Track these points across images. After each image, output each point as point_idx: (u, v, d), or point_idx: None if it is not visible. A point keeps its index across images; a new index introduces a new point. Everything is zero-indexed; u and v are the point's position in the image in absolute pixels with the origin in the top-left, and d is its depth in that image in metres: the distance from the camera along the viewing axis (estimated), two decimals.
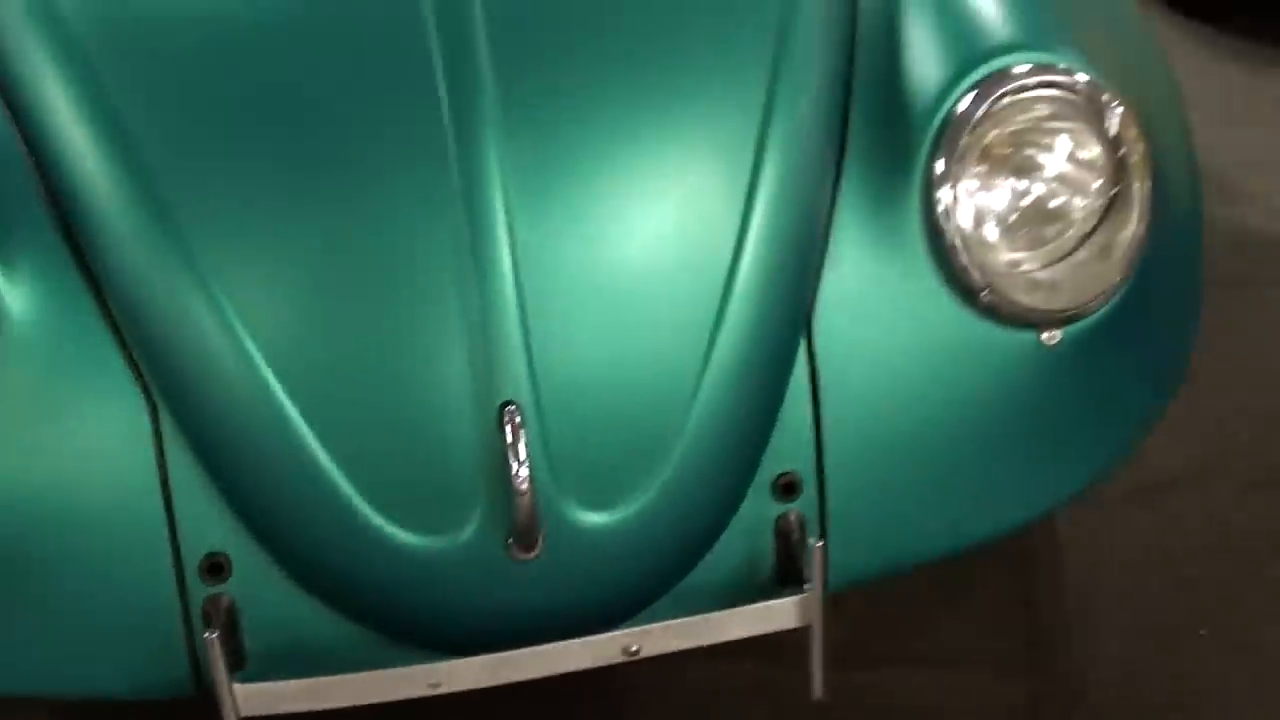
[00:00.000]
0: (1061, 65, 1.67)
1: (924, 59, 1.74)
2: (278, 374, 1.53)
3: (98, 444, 1.55)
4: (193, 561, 1.55)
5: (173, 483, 1.54)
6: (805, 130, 1.67)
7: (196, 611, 1.56)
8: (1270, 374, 2.75)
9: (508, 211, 1.54)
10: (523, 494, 1.49)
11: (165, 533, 1.54)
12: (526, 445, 1.49)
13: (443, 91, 1.58)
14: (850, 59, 1.78)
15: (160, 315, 1.56)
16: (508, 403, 1.50)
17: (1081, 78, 1.66)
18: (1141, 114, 1.71)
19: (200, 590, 1.56)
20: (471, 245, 1.53)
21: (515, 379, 1.51)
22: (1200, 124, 3.79)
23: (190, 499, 1.55)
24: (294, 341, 1.54)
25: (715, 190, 1.62)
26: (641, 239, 1.60)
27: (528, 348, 1.51)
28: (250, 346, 1.53)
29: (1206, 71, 4.13)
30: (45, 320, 1.56)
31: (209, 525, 1.55)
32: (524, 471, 1.49)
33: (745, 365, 1.59)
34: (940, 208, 1.64)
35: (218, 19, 1.70)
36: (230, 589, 1.57)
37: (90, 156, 1.60)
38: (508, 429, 1.49)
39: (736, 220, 1.61)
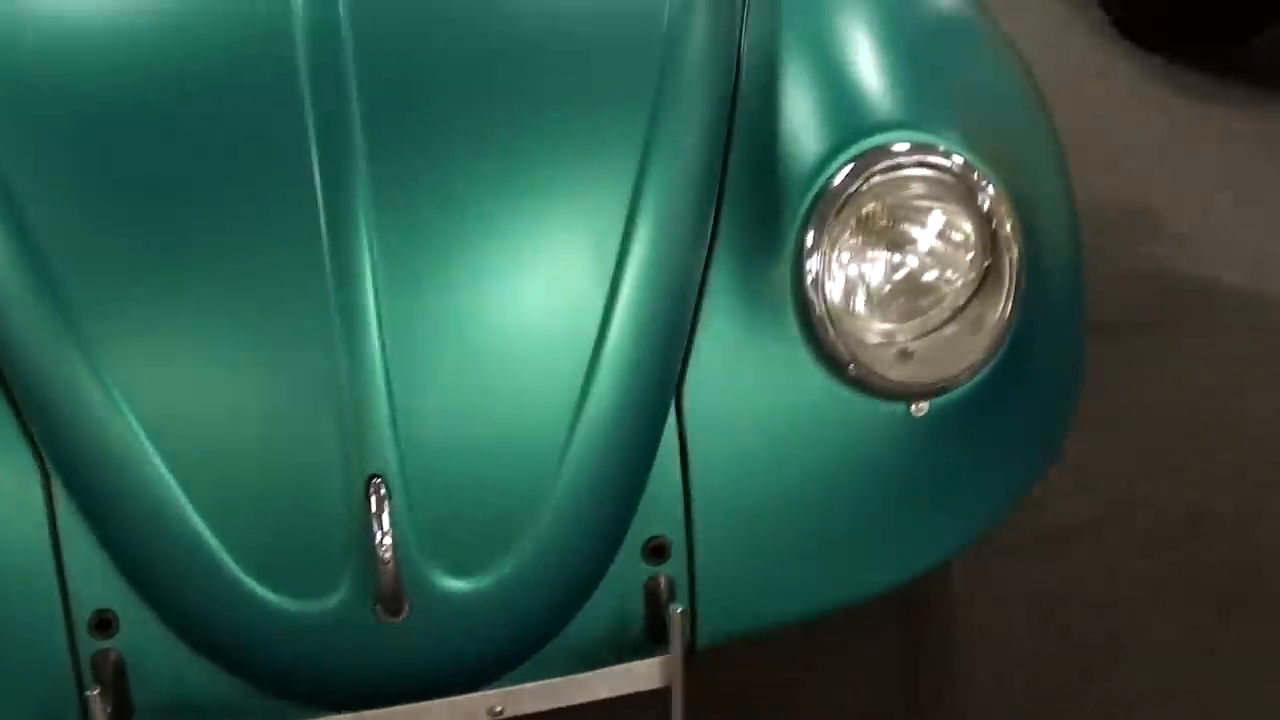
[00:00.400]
0: (939, 146, 1.70)
1: (803, 130, 1.78)
2: (155, 443, 1.58)
3: None
4: (82, 617, 1.60)
5: (63, 542, 1.59)
6: (677, 200, 1.71)
7: (86, 666, 1.61)
8: (1180, 421, 2.79)
9: (377, 289, 1.58)
10: (386, 563, 1.53)
11: (56, 590, 1.59)
12: (391, 517, 1.53)
13: (316, 170, 1.63)
14: (729, 126, 1.81)
15: (48, 384, 1.61)
16: (374, 475, 1.54)
17: (957, 159, 1.69)
18: (1019, 190, 1.74)
19: (90, 645, 1.61)
20: (342, 322, 1.57)
21: (382, 452, 1.55)
22: (1136, 158, 3.85)
23: (79, 558, 1.60)
24: (171, 412, 1.59)
25: (583, 263, 1.66)
26: (509, 313, 1.64)
27: (394, 421, 1.56)
28: (130, 416, 1.58)
29: (1150, 103, 4.17)
30: None
31: (97, 583, 1.60)
32: (387, 541, 1.53)
33: (612, 434, 1.63)
34: (809, 279, 1.67)
35: (105, 97, 1.74)
36: (118, 644, 1.61)
37: None
38: (373, 500, 1.53)
39: (604, 292, 1.64)
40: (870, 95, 1.82)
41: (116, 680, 1.60)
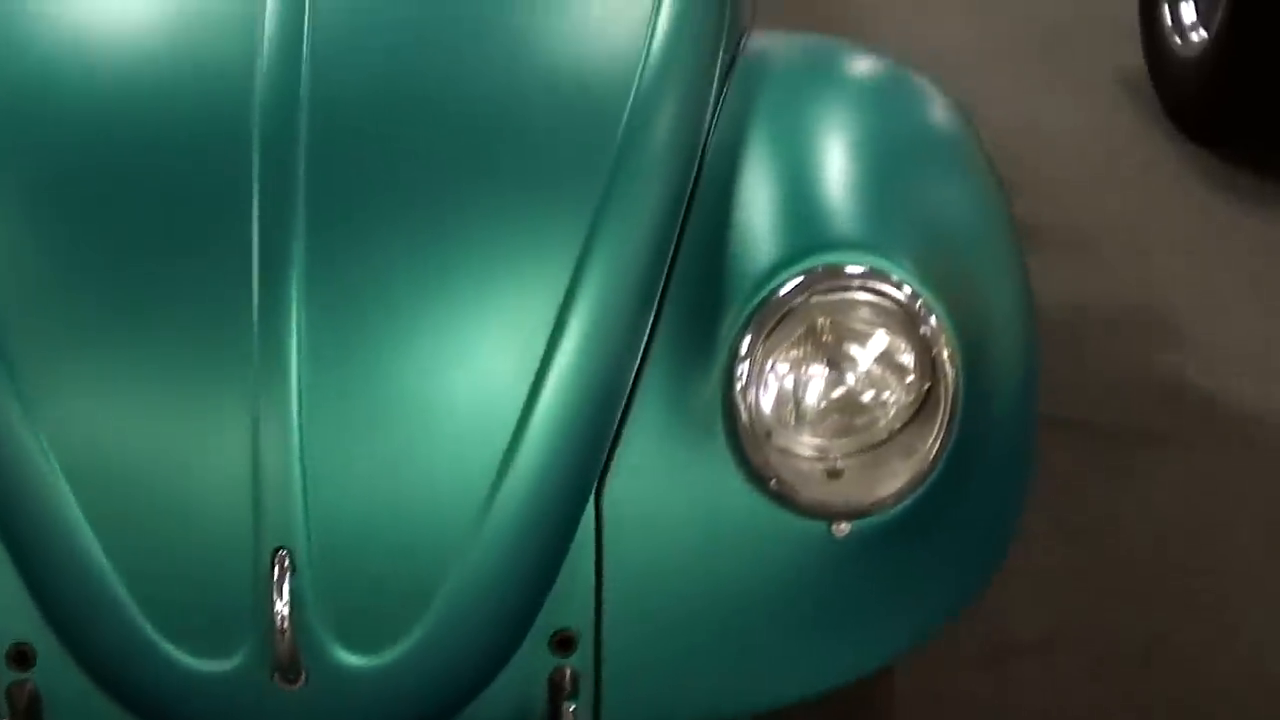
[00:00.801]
0: (890, 274, 1.68)
1: (758, 237, 1.77)
2: (76, 492, 1.61)
3: None
4: (1, 647, 1.64)
5: None
6: (615, 297, 1.71)
7: (1, 695, 1.65)
8: (1156, 539, 2.75)
9: (300, 364, 1.60)
10: (283, 632, 1.56)
11: None
12: (292, 588, 1.56)
13: (255, 241, 1.64)
14: (681, 226, 1.82)
15: None
16: (280, 547, 1.57)
17: (906, 289, 1.68)
18: (969, 320, 1.73)
19: (6, 676, 1.65)
20: (263, 395, 1.59)
21: (290, 525, 1.57)
22: (1167, 255, 3.80)
23: (3, 591, 1.64)
24: (93, 463, 1.62)
25: (509, 357, 1.67)
26: (429, 400, 1.65)
27: (305, 496, 1.58)
28: (55, 464, 1.62)
29: (1191, 200, 4.12)
30: None
31: (19, 616, 1.64)
32: (285, 611, 1.55)
33: (524, 525, 1.63)
34: (739, 385, 1.67)
35: (60, 150, 1.78)
36: (34, 677, 1.65)
37: None
38: (276, 570, 1.56)
39: (528, 385, 1.65)
40: (830, 211, 1.82)
41: (30, 712, 1.64)
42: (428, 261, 1.69)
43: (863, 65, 2.21)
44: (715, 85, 2.02)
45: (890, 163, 1.93)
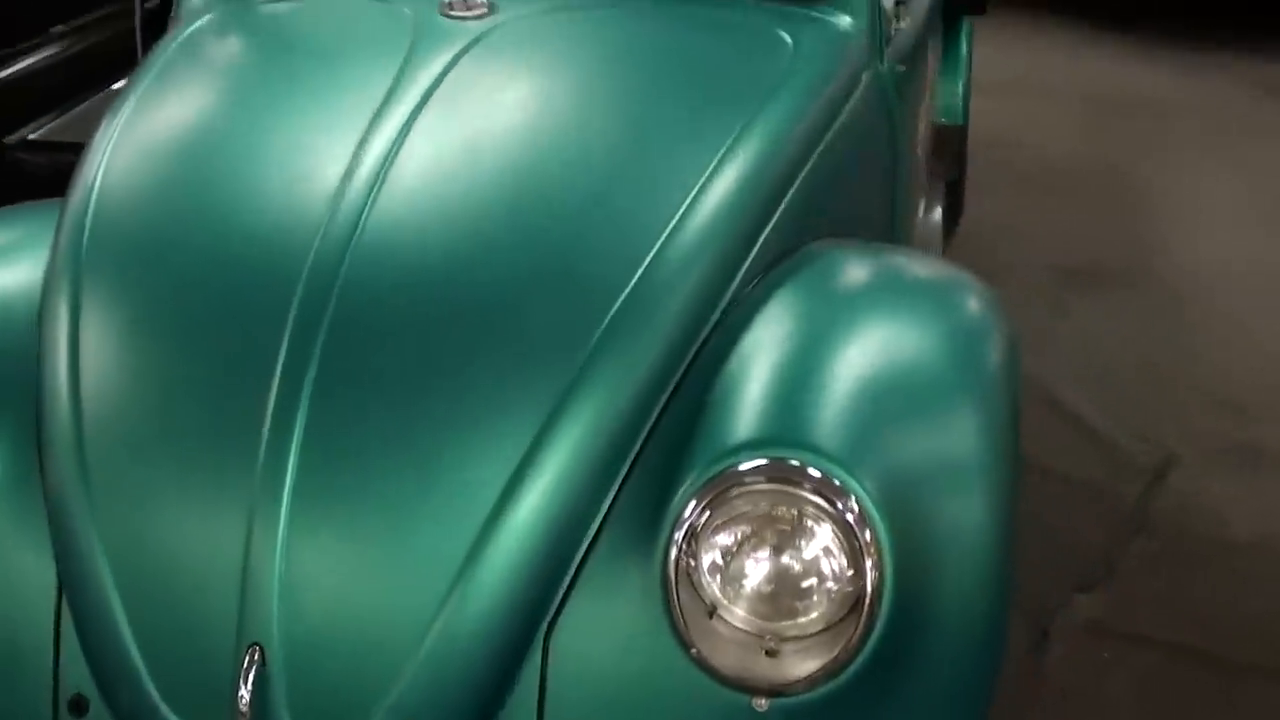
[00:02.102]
0: (840, 484, 1.83)
1: (728, 421, 1.95)
2: (114, 571, 1.94)
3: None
4: (65, 695, 1.95)
5: (62, 635, 1.97)
6: (580, 460, 1.90)
7: None
8: None
9: (291, 496, 1.88)
10: (244, 715, 1.81)
11: (50, 668, 1.96)
12: (259, 679, 1.81)
13: (273, 393, 1.95)
14: (669, 399, 2.01)
15: (63, 517, 1.99)
16: (255, 642, 1.83)
17: (854, 506, 1.82)
18: (918, 541, 1.86)
19: None
20: (258, 514, 1.88)
21: (266, 623, 1.84)
22: None
23: (69, 648, 1.96)
24: (127, 550, 1.95)
25: (470, 502, 1.88)
26: (395, 530, 1.88)
27: (281, 601, 1.85)
28: (100, 547, 1.95)
29: None
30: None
31: (78, 672, 1.95)
32: (248, 697, 1.81)
33: (468, 651, 1.82)
34: (680, 558, 1.83)
35: (153, 296, 2.18)
36: None
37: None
38: (246, 661, 1.81)
39: (478, 529, 1.86)
40: (810, 411, 1.94)
41: None
42: (407, 426, 1.94)
43: (912, 275, 2.40)
44: (734, 283, 2.20)
45: (893, 377, 2.05)
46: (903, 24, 2.98)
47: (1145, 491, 3.49)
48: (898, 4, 2.98)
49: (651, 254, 2.14)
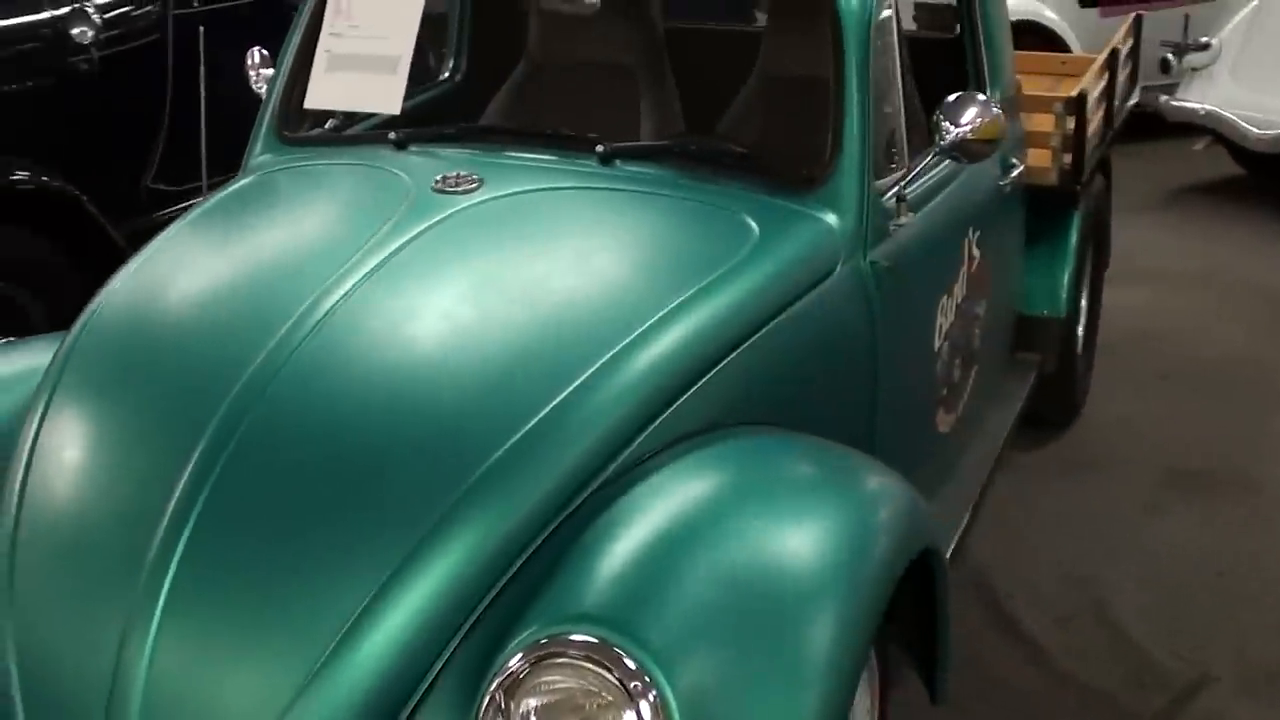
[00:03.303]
0: (647, 676, 1.95)
1: (561, 591, 2.09)
2: (19, 670, 2.19)
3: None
4: None
5: None
6: (414, 619, 2.08)
7: None
8: None
9: (161, 617, 2.11)
10: None
11: None
12: None
13: (164, 523, 2.21)
14: (502, 565, 2.15)
15: None
16: None
17: (654, 696, 1.94)
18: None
19: None
20: (131, 637, 2.11)
21: None
22: None
23: None
24: (29, 649, 2.21)
25: (295, 651, 2.07)
26: (242, 664, 2.10)
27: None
28: (10, 646, 2.20)
29: None
30: None
31: None
32: None
33: None
34: (486, 702, 1.98)
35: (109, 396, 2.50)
36: None
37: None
38: None
39: (303, 675, 2.04)
40: (648, 599, 2.06)
41: None
42: (272, 564, 2.17)
43: (813, 471, 2.46)
44: (626, 453, 2.33)
45: (745, 578, 2.13)
46: (905, 219, 3.04)
47: (1166, 709, 3.37)
48: (900, 200, 3.04)
49: (530, 424, 2.28)
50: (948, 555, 3.29)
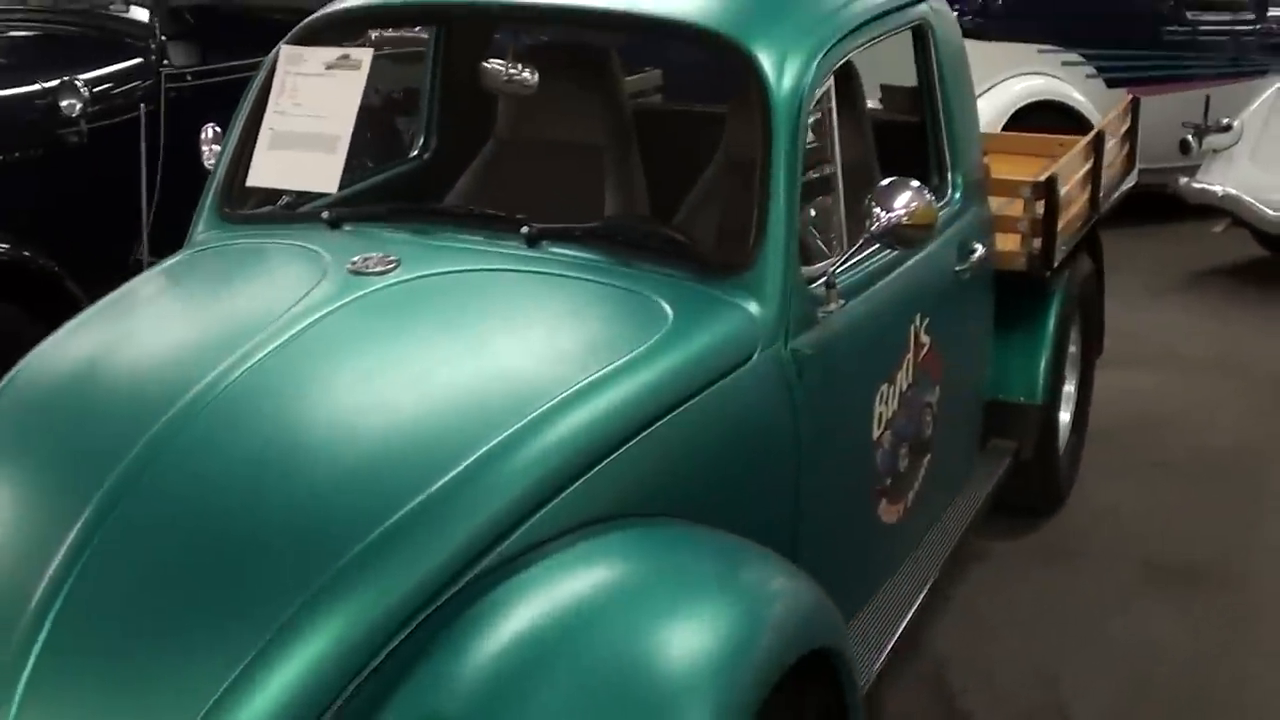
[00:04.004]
0: None
1: (414, 689, 2.08)
2: None
3: None
4: None
5: None
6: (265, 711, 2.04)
7: None
8: None
9: (25, 692, 2.08)
10: None
11: None
12: None
13: (38, 593, 2.19)
14: (354, 662, 2.11)
15: None
16: None
17: None
18: None
19: None
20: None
21: None
22: None
23: None
24: None
25: None
26: None
27: None
28: None
29: None
30: None
31: None
32: None
33: None
34: None
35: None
36: None
37: None
38: None
39: None
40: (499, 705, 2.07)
41: None
42: (129, 653, 2.13)
43: (694, 568, 2.41)
44: (503, 544, 2.29)
45: (602, 683, 2.11)
46: (834, 306, 2.98)
47: None
48: (829, 287, 2.99)
49: (401, 512, 2.26)
50: (889, 647, 3.22)
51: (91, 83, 4.87)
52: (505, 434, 2.40)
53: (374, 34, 4.16)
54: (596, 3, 3.33)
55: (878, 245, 3.06)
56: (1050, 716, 3.63)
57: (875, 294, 3.20)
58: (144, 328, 2.95)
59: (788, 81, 2.99)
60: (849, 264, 3.08)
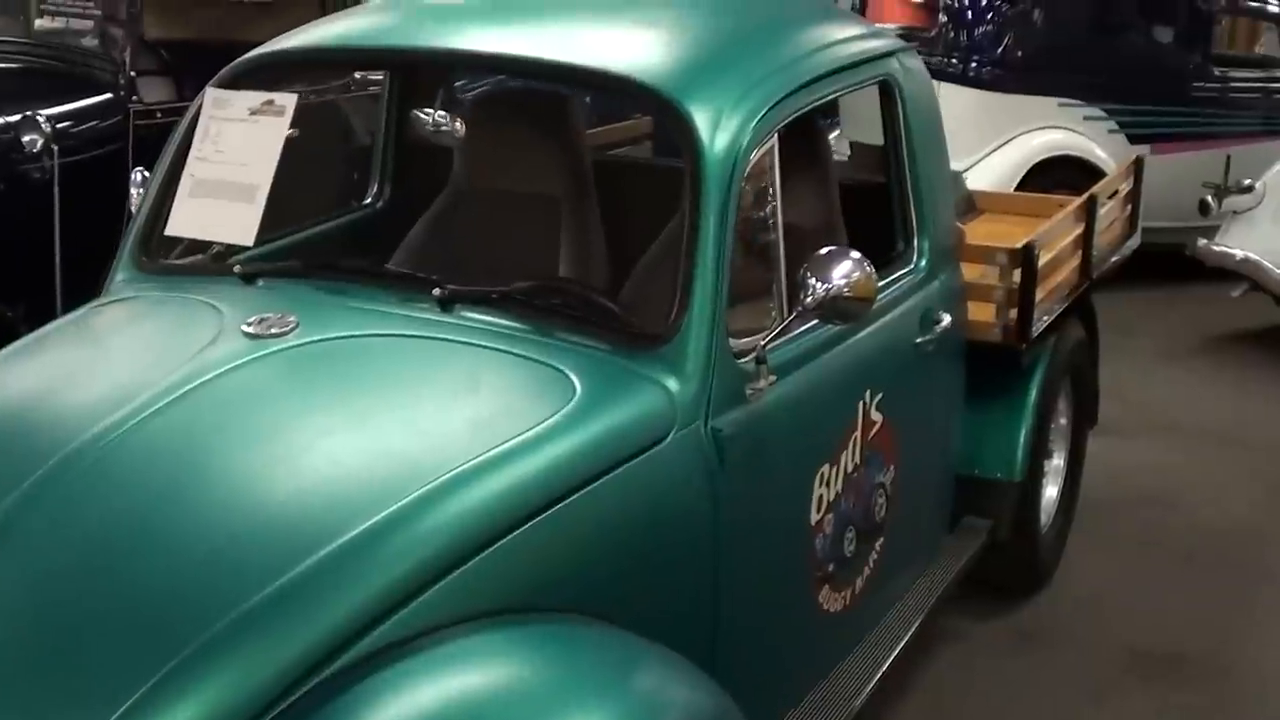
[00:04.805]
0: None
1: None
2: None
3: None
4: None
5: None
6: None
7: None
8: None
9: None
10: None
11: None
12: None
13: None
14: None
15: None
16: None
17: None
18: None
19: None
20: None
21: None
22: None
23: None
24: None
25: None
26: None
27: None
28: None
29: None
30: None
31: None
32: None
33: None
34: None
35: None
36: None
37: None
38: None
39: None
40: None
41: None
42: None
43: (576, 672, 2.26)
44: (360, 644, 2.12)
45: None
46: (764, 383, 2.79)
47: None
48: (759, 362, 2.79)
49: (251, 601, 2.10)
50: None
51: (55, 118, 4.74)
52: (381, 515, 2.24)
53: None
54: (533, 53, 3.16)
55: (814, 319, 2.86)
56: None
57: (815, 369, 3.01)
58: (32, 381, 2.81)
59: (721, 141, 2.81)
60: (788, 337, 2.89)
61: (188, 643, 2.03)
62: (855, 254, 2.77)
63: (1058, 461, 4.59)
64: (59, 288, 3.86)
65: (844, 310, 2.77)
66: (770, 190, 2.93)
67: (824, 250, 2.78)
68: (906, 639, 3.50)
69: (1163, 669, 4.09)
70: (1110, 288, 4.80)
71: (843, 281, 2.73)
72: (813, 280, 2.74)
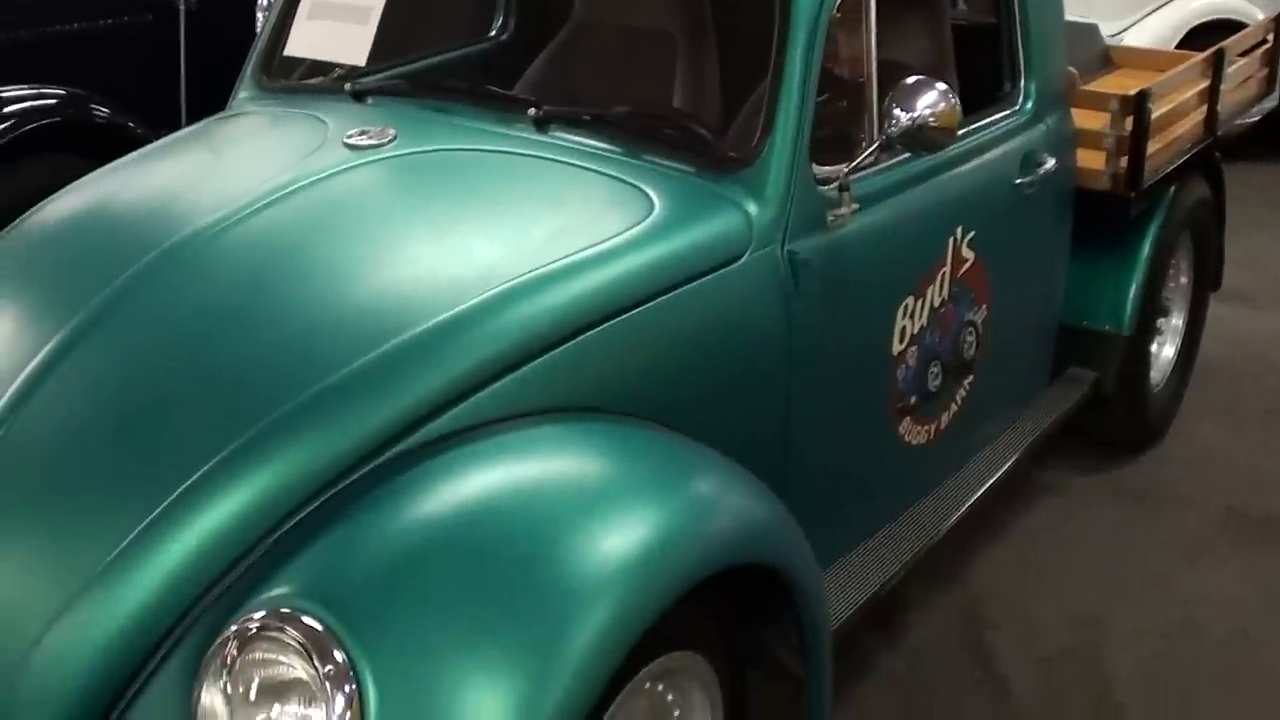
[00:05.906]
0: (341, 659, 1.90)
1: (311, 564, 2.05)
2: None
3: None
4: None
5: None
6: (177, 559, 2.08)
7: None
8: None
9: None
10: None
11: None
12: None
13: None
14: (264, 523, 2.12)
15: None
16: None
17: (339, 657, 1.90)
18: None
19: None
20: None
21: None
22: None
23: None
24: None
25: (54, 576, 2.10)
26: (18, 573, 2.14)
27: None
28: None
29: None
30: None
31: None
32: None
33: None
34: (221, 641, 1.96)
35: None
36: None
37: None
38: None
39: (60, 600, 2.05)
40: (386, 596, 2.00)
41: None
42: (54, 479, 2.20)
43: (616, 468, 2.31)
44: (426, 426, 2.24)
45: (506, 580, 2.03)
46: (845, 210, 2.83)
47: None
48: (843, 190, 2.84)
49: (331, 379, 2.24)
50: (898, 572, 3.09)
51: None
52: (451, 312, 2.34)
53: None
54: None
55: (906, 150, 2.89)
56: (1080, 661, 3.45)
57: (903, 201, 3.04)
58: (145, 183, 2.97)
59: None
60: (877, 169, 2.92)
61: (259, 420, 2.17)
62: (941, 85, 2.79)
63: (1176, 321, 4.54)
64: (183, 108, 4.00)
65: (927, 140, 2.80)
66: (866, 24, 2.94)
67: (909, 80, 2.80)
68: (994, 479, 3.53)
69: (1256, 534, 4.06)
70: (1263, 158, 4.67)
71: (927, 111, 2.75)
72: (897, 110, 2.76)
